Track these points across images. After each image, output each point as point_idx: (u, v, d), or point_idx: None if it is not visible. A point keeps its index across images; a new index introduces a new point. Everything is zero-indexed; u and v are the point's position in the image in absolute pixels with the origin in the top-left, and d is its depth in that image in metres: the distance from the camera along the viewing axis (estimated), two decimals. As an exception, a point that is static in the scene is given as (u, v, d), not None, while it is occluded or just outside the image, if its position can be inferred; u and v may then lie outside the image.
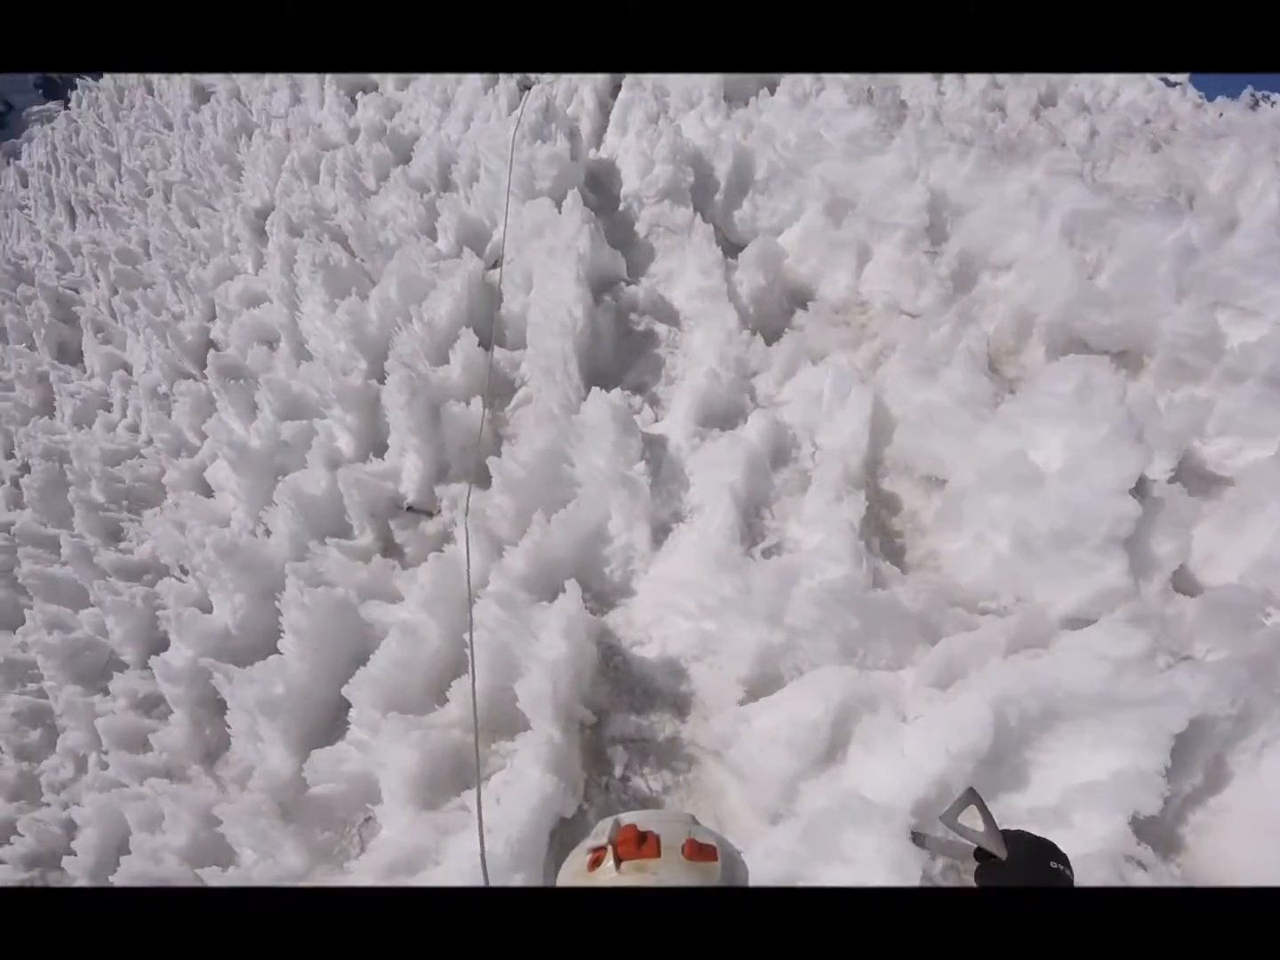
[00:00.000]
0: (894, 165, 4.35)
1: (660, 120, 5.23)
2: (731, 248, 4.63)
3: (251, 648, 3.77)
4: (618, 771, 2.65)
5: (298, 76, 8.63)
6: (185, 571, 4.52)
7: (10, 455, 7.83)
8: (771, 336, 3.98)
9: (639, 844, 1.16)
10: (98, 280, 8.38)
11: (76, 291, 8.91)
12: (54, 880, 4.64)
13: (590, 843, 1.23)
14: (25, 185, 13.29)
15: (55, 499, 5.99)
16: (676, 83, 5.71)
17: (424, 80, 7.26)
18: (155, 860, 3.58)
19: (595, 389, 3.43)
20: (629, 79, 5.72)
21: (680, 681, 2.86)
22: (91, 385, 7.46)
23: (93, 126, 12.30)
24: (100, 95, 13.08)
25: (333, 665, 3.34)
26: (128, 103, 12.21)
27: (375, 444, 4.13)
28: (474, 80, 6.50)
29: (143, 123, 11.14)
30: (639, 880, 1.12)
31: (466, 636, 2.77)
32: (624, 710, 2.81)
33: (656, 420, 3.69)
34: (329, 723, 3.35)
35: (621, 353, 4.06)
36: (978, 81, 7.92)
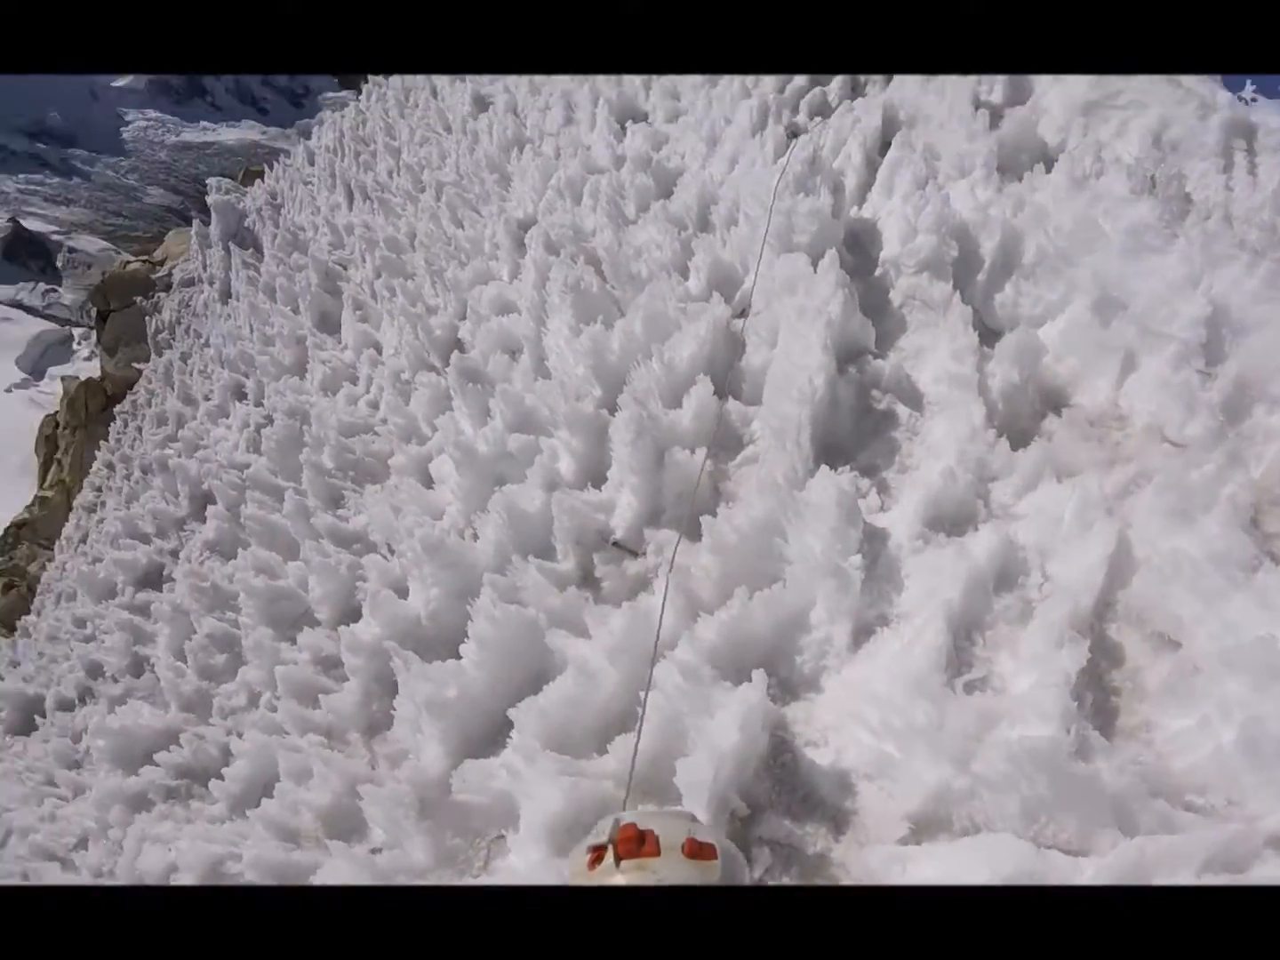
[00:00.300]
0: (1175, 269, 3.80)
1: (928, 186, 4.97)
2: (987, 333, 4.28)
3: (437, 640, 3.90)
4: (757, 873, 2.43)
5: (573, 97, 8.99)
6: (392, 552, 4.76)
7: (259, 404, 8.73)
8: (1017, 440, 3.59)
9: (639, 843, 1.16)
10: (364, 262, 9.14)
11: (344, 268, 9.79)
12: (198, 794, 5.02)
13: (591, 841, 1.23)
14: (312, 164, 14.66)
15: (289, 455, 6.57)
16: (948, 148, 5.42)
17: (694, 115, 7.38)
18: (293, 811, 3.79)
19: (824, 467, 3.26)
20: (899, 138, 5.51)
21: (846, 797, 2.60)
22: (343, 357, 8.14)
23: (379, 119, 13.46)
24: (389, 91, 14.23)
25: (507, 682, 3.38)
26: (412, 102, 13.19)
27: (595, 473, 4.14)
28: (742, 122, 6.52)
29: (424, 122, 11.97)
30: (639, 879, 1.12)
31: (642, 694, 2.67)
32: (780, 812, 2.59)
33: (882, 509, 3.44)
34: (489, 736, 3.38)
35: (858, 430, 3.84)
36: (1270, 180, 7.01)
